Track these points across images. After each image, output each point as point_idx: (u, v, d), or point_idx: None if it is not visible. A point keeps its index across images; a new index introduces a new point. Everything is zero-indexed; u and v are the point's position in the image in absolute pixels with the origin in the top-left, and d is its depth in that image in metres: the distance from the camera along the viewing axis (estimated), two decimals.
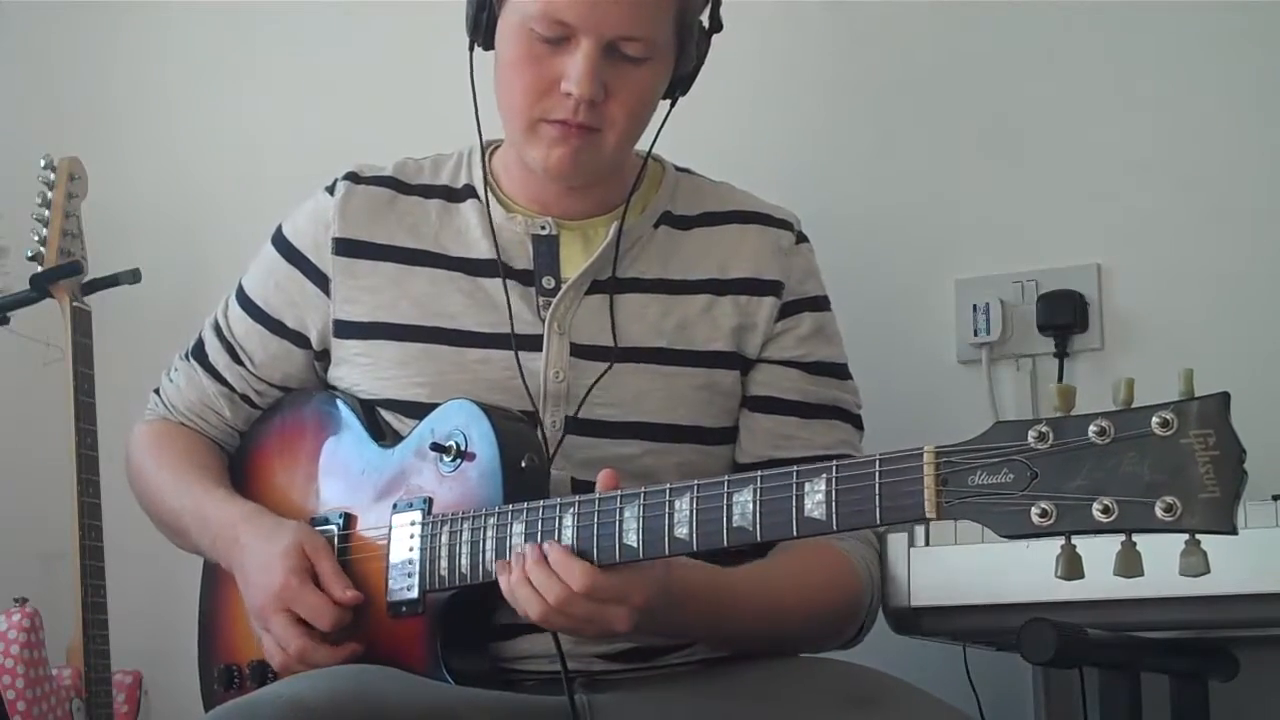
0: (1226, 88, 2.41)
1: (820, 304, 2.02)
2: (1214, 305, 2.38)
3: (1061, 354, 2.44)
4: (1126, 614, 1.91)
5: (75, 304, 2.67)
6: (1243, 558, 1.75)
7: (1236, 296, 2.37)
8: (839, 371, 2.02)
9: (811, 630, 1.88)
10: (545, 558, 1.65)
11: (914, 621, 2.02)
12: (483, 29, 1.91)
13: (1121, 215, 2.45)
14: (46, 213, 2.70)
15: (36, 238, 2.69)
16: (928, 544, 2.01)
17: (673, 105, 1.96)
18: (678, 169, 2.05)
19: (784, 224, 2.02)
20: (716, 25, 1.95)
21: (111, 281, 2.75)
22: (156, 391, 2.13)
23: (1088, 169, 2.47)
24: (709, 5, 1.93)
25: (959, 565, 1.99)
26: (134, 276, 2.75)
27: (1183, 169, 2.42)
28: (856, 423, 2.02)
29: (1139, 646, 1.98)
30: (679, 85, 1.95)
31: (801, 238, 2.03)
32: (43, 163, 2.73)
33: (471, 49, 1.94)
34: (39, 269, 2.69)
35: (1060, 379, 2.42)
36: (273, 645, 1.84)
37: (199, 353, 2.09)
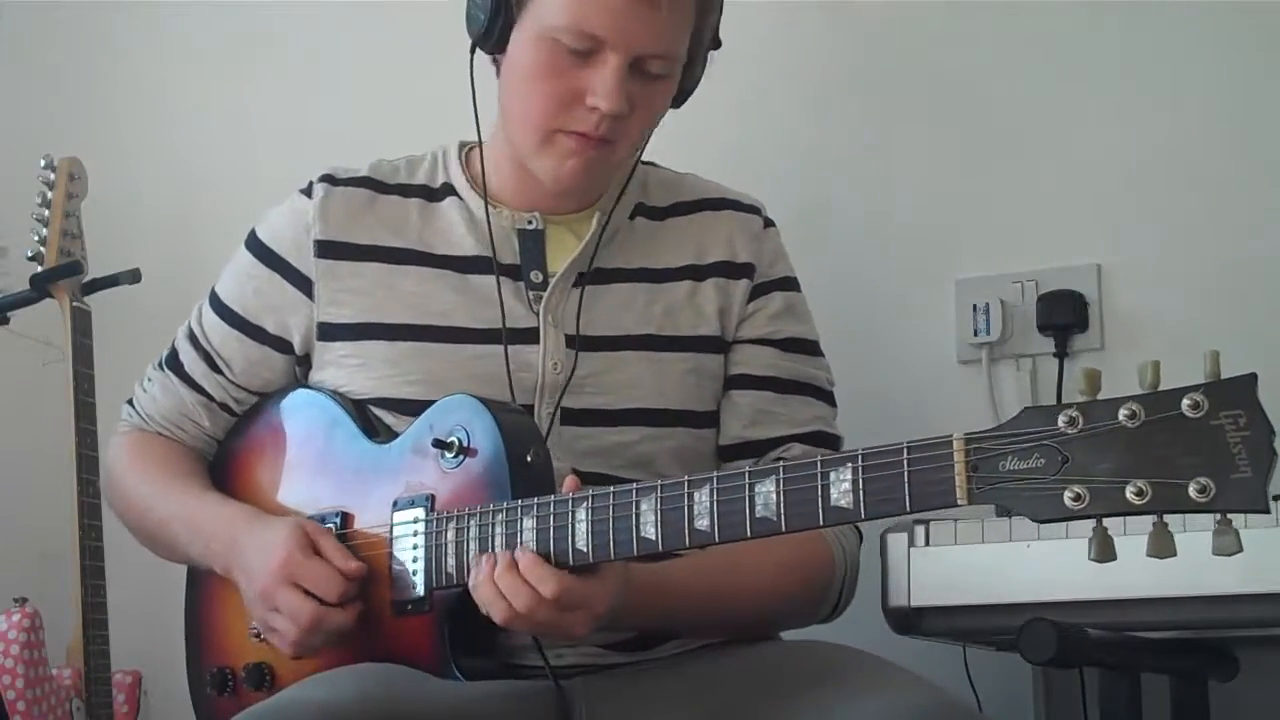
0: (1226, 88, 2.41)
1: (790, 284, 2.03)
2: (1214, 305, 2.38)
3: (1061, 354, 2.44)
4: (1126, 614, 1.91)
5: (75, 304, 2.67)
6: (1243, 558, 1.75)
7: (1236, 296, 2.37)
8: (810, 348, 2.03)
9: (782, 610, 1.89)
10: (515, 564, 1.66)
11: (914, 621, 2.02)
12: (495, 35, 1.88)
13: (1121, 215, 2.45)
14: (46, 213, 2.70)
15: (36, 238, 2.69)
16: (928, 544, 2.01)
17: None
18: (643, 162, 2.05)
19: (753, 209, 2.04)
20: (716, 42, 1.96)
21: (111, 281, 2.74)
22: (130, 402, 2.11)
23: (1088, 169, 2.47)
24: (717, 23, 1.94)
25: (959, 565, 1.99)
26: (134, 276, 2.75)
27: (1183, 169, 2.42)
28: (829, 400, 2.02)
29: (1139, 646, 1.98)
30: (679, 99, 1.96)
31: (769, 222, 2.05)
32: (43, 163, 2.72)
33: (473, 52, 1.93)
34: (39, 269, 2.69)
35: (1060, 379, 2.43)
36: (284, 623, 1.81)
37: (174, 363, 2.06)
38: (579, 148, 1.87)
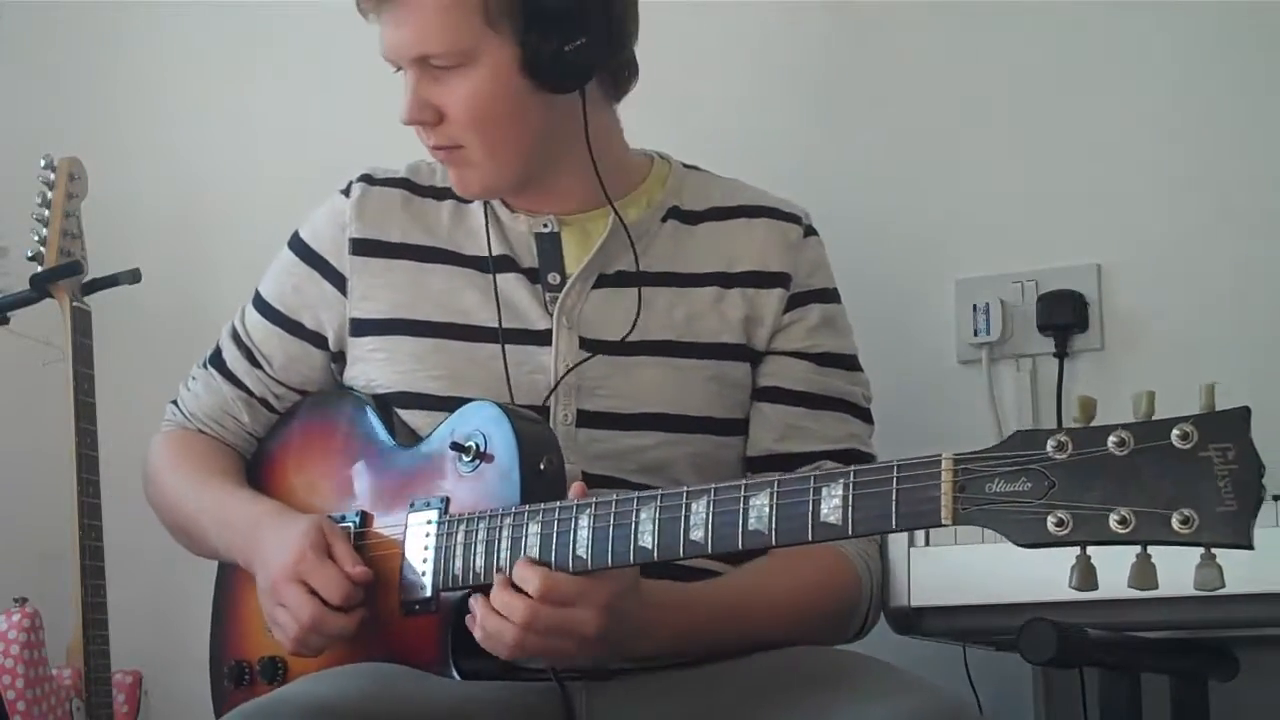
0: (1227, 88, 2.41)
1: (829, 296, 2.03)
2: (1214, 305, 2.38)
3: (1061, 354, 2.44)
4: (1126, 614, 1.91)
5: (75, 304, 2.67)
6: (1243, 557, 1.75)
7: (1236, 296, 2.37)
8: (848, 363, 2.03)
9: (808, 631, 1.87)
10: (505, 581, 1.68)
11: (914, 621, 2.02)
12: None
13: (1121, 215, 2.45)
14: (46, 213, 2.70)
15: (36, 238, 2.69)
16: (928, 544, 2.01)
17: (581, 93, 1.89)
18: (685, 166, 2.06)
19: (792, 218, 2.04)
20: (544, 7, 1.85)
21: (111, 281, 2.74)
22: (174, 402, 2.14)
23: (1088, 169, 2.47)
24: None
25: (959, 565, 1.99)
26: (134, 276, 2.75)
27: (1183, 169, 2.42)
28: (865, 416, 2.02)
29: (1139, 646, 1.98)
30: (545, 71, 1.87)
31: (810, 231, 2.04)
32: (43, 163, 2.72)
33: None
34: (39, 269, 2.68)
35: (1060, 379, 2.43)
36: (287, 618, 1.83)
37: (217, 360, 2.10)
38: (441, 161, 1.96)
